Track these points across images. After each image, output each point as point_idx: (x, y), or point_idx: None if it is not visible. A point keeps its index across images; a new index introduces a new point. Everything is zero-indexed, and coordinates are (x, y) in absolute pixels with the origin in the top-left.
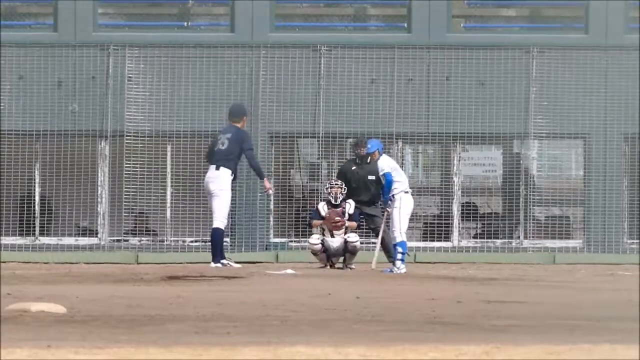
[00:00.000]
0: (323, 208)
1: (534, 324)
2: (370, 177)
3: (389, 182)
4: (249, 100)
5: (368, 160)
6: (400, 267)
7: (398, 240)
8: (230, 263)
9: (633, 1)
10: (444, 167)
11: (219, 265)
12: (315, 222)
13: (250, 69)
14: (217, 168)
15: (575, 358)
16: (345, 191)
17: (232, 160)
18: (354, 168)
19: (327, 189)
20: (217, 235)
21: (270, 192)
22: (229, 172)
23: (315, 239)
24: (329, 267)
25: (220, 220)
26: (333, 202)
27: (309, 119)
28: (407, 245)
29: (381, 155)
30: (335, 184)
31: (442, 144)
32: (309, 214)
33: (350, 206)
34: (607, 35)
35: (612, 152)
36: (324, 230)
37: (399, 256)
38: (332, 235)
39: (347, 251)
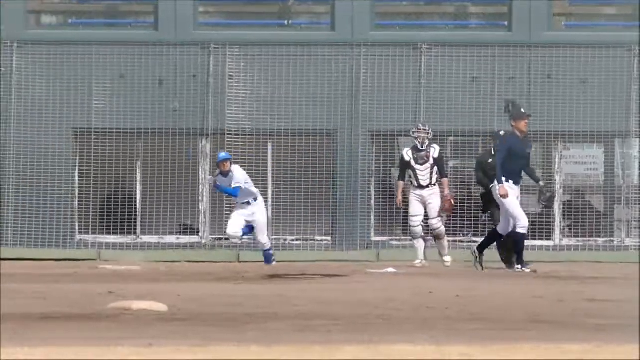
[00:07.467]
0: (407, 154)
1: (637, 323)
2: None
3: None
4: (349, 98)
5: None
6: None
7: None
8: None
9: None
10: (545, 165)
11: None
12: (400, 185)
13: (350, 68)
14: None
15: None
16: (431, 136)
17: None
18: (490, 161)
19: (413, 132)
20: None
21: None
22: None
23: (416, 221)
24: (423, 262)
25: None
26: (419, 147)
27: (410, 117)
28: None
29: None
30: (422, 129)
31: (544, 143)
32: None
33: (435, 150)
34: None
35: None
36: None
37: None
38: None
39: (435, 239)
